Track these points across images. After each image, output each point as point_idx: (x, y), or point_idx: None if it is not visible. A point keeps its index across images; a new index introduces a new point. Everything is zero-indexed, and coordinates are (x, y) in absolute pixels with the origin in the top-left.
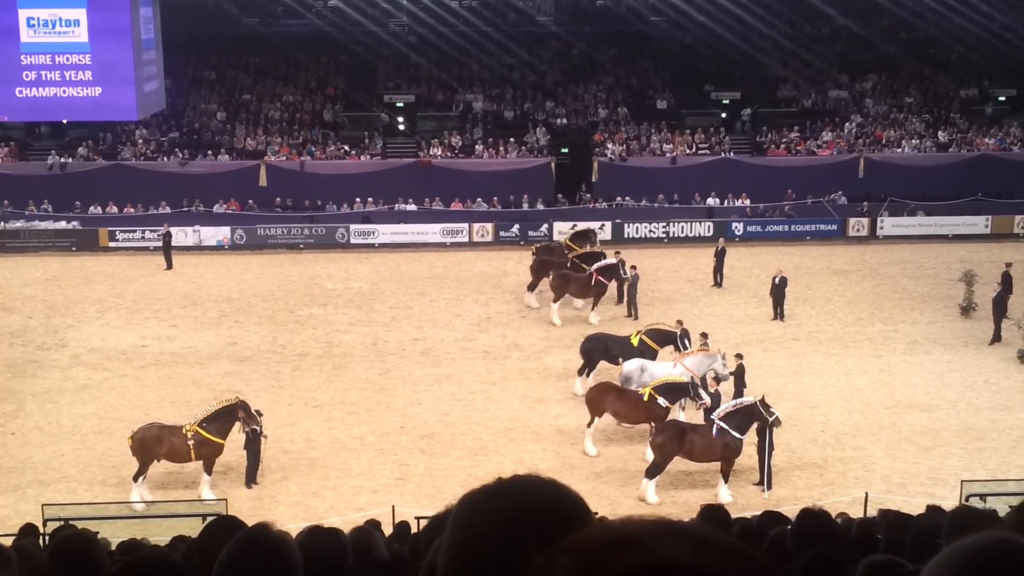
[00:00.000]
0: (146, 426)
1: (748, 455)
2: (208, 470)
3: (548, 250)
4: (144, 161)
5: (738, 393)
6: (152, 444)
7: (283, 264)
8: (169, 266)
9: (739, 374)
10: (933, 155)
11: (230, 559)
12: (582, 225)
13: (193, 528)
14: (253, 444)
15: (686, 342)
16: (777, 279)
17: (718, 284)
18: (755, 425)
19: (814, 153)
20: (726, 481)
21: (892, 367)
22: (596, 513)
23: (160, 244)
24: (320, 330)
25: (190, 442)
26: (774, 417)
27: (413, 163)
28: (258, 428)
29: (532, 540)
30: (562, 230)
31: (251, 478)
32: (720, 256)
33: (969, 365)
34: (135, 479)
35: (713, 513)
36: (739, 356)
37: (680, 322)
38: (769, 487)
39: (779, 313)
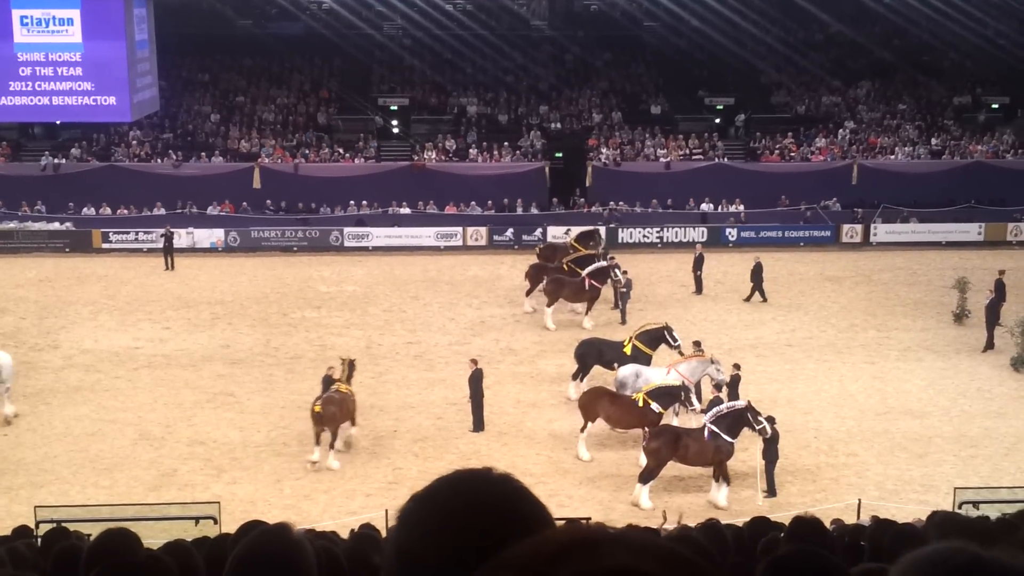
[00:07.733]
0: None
1: (739, 460)
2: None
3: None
4: (138, 163)
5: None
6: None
7: (276, 266)
8: (168, 267)
9: (734, 384)
10: (926, 162)
11: (242, 558)
12: (576, 230)
13: (185, 530)
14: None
15: (673, 335)
16: (754, 264)
17: (699, 291)
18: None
19: (808, 159)
20: (728, 483)
21: (885, 374)
22: (567, 519)
23: (161, 245)
24: (313, 333)
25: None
26: (761, 426)
27: (407, 166)
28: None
29: (475, 540)
30: (555, 234)
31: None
32: (698, 263)
33: (962, 372)
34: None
35: (709, 528)
36: (736, 367)
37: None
38: (772, 494)
39: (759, 294)
